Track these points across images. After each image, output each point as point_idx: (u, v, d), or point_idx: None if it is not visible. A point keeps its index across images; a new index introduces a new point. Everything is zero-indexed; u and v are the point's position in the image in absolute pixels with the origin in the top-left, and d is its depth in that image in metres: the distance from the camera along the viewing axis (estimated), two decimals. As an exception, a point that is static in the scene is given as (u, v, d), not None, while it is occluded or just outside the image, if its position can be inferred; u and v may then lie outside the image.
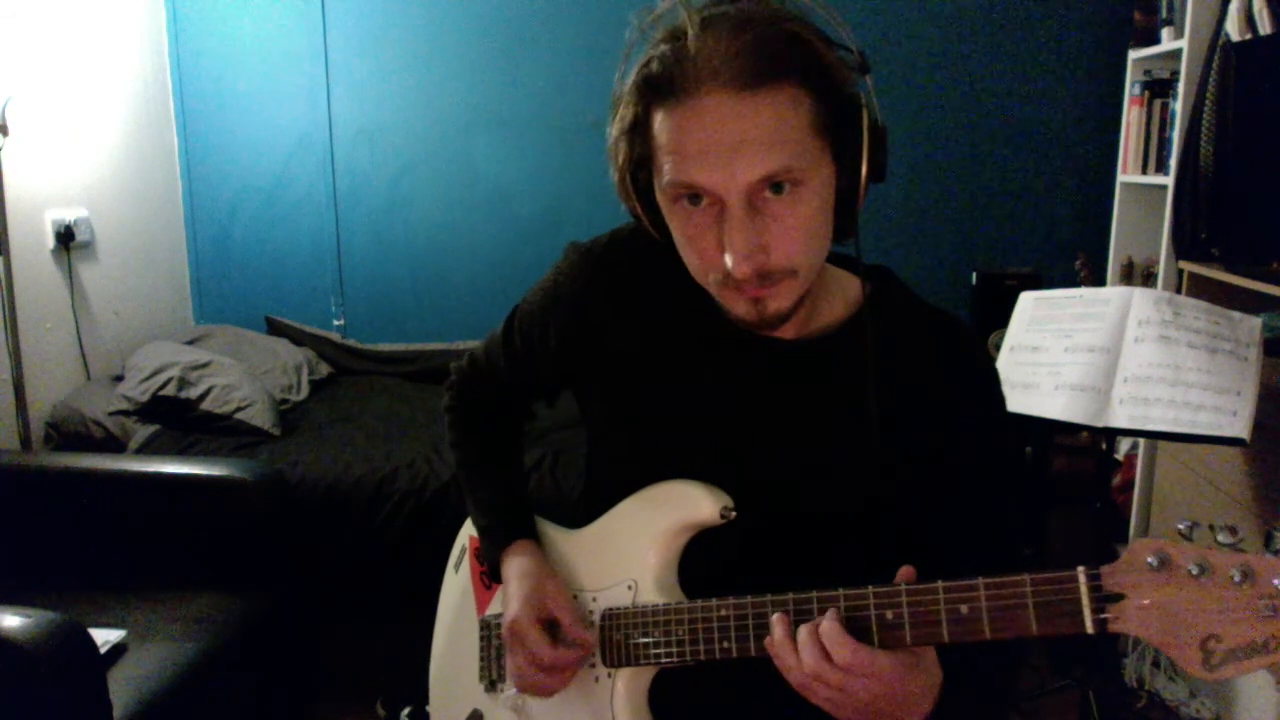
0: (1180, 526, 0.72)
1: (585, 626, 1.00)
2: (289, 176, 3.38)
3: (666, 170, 0.83)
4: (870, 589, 0.81)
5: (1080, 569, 0.73)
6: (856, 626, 0.81)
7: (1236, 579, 0.68)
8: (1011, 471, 1.03)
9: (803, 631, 0.81)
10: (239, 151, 3.36)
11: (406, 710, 2.02)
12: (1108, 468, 2.19)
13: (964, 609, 0.76)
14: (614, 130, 0.88)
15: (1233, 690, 2.23)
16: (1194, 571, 0.69)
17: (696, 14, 0.80)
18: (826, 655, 0.79)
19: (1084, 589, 0.72)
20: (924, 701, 0.82)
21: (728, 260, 0.82)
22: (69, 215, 2.76)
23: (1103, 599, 0.72)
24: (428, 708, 1.25)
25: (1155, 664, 2.46)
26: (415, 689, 1.38)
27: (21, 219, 2.58)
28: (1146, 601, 0.71)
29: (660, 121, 0.82)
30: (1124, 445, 2.75)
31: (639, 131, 0.85)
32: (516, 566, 1.06)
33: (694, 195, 0.83)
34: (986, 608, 0.76)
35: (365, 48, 3.30)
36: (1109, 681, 2.36)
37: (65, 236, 2.73)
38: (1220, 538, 0.70)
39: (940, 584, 0.78)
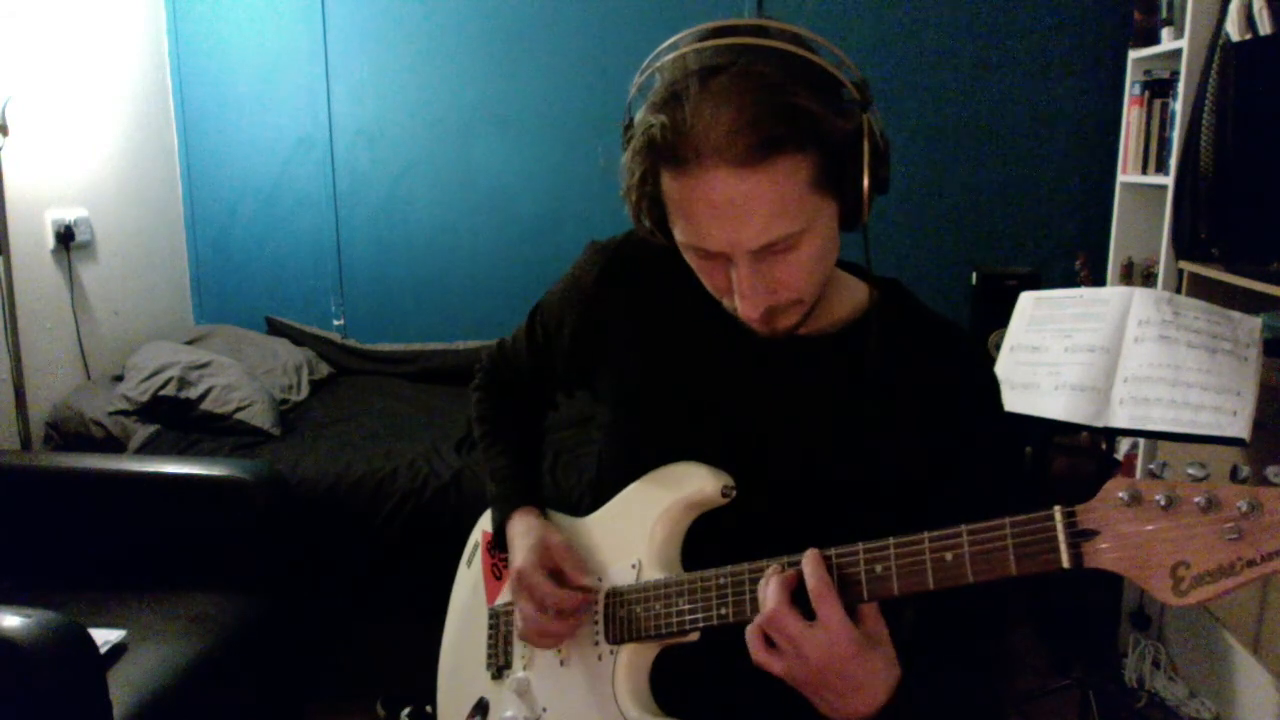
0: (1151, 466, 0.74)
1: (587, 573, 1.04)
2: (289, 177, 3.38)
3: (677, 229, 0.88)
4: (860, 545, 0.85)
5: (1056, 508, 0.76)
6: (847, 581, 0.84)
7: (1202, 505, 0.70)
8: (1009, 476, 1.06)
9: (773, 580, 0.85)
10: (239, 151, 3.36)
11: (406, 710, 2.02)
12: (1108, 468, 2.19)
13: (948, 556, 0.80)
14: (626, 179, 0.90)
15: (1233, 690, 2.23)
16: (1162, 503, 0.72)
17: (696, 77, 0.81)
18: (790, 600, 0.83)
19: (1060, 527, 0.75)
20: (876, 689, 0.83)
21: (737, 303, 0.88)
22: (69, 215, 2.76)
23: (1078, 535, 0.75)
24: (431, 706, 1.26)
25: (1155, 664, 2.46)
26: (415, 689, 1.38)
27: (21, 219, 2.58)
28: (1119, 535, 0.74)
29: (667, 183, 0.86)
30: (1124, 445, 2.75)
31: (649, 183, 0.88)
32: (521, 525, 1.11)
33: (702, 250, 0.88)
34: (969, 553, 0.79)
35: (365, 48, 3.30)
36: (1109, 681, 2.37)
37: (65, 236, 2.73)
38: (1189, 472, 0.73)
39: (926, 534, 0.81)
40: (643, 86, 0.87)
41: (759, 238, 0.83)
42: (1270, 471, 0.70)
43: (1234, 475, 0.71)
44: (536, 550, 1.05)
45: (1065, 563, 0.75)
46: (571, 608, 1.02)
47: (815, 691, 0.84)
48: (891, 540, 0.83)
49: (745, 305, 0.87)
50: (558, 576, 1.04)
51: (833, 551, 0.86)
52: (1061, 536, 0.75)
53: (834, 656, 0.82)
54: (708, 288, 0.93)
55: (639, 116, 0.86)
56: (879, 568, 0.83)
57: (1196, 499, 0.70)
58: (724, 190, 0.81)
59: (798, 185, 0.82)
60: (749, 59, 0.81)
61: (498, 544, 1.16)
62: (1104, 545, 0.74)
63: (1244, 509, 0.69)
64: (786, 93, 0.80)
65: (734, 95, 0.79)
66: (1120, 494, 0.74)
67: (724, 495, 0.98)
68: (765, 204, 0.81)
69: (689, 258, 0.91)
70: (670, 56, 0.85)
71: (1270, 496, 0.68)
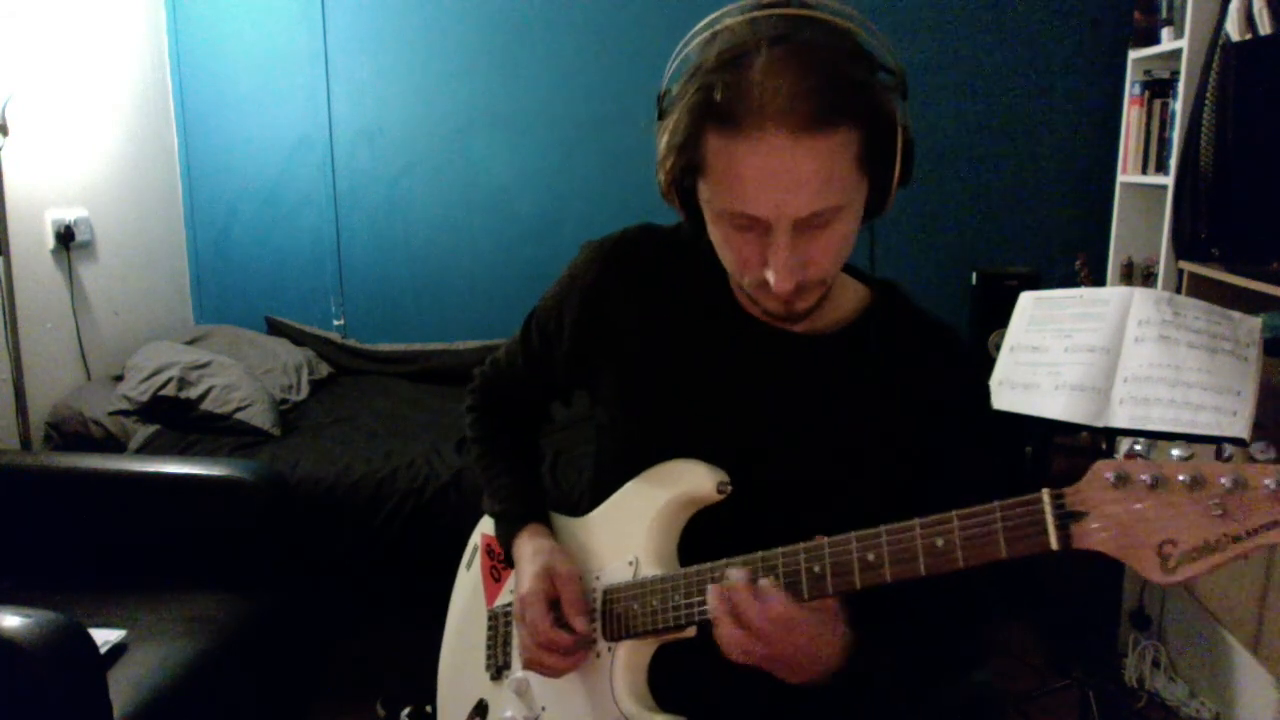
0: (1137, 447, 0.75)
1: (583, 613, 1.02)
2: (289, 177, 3.38)
3: (718, 192, 0.87)
4: (853, 534, 0.86)
5: (1045, 490, 0.77)
6: (841, 571, 0.86)
7: (1188, 483, 0.71)
8: (1000, 468, 1.07)
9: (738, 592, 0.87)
10: (239, 151, 3.36)
11: (406, 710, 2.01)
12: (1108, 468, 2.19)
13: (939, 542, 0.81)
14: (663, 139, 0.90)
15: (1233, 690, 2.23)
16: (1149, 483, 0.72)
17: (764, 42, 0.81)
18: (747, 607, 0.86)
19: (1048, 509, 0.76)
20: (834, 657, 0.88)
21: (769, 275, 0.87)
22: (69, 215, 2.76)
23: (1066, 516, 0.75)
24: (431, 706, 1.26)
25: (1155, 664, 2.46)
26: (415, 689, 1.38)
27: (21, 219, 2.58)
28: (1107, 515, 0.74)
29: (715, 145, 0.85)
30: (1124, 445, 2.74)
31: (690, 146, 0.87)
32: (530, 547, 1.09)
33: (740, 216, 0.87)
34: (960, 538, 0.80)
35: (365, 48, 3.30)
36: (1109, 681, 2.36)
37: (65, 236, 2.73)
38: (1174, 452, 0.73)
39: (916, 521, 0.82)
40: (683, 60, 0.87)
41: (807, 206, 0.83)
42: (1255, 448, 0.70)
43: (1219, 454, 0.72)
44: (541, 578, 1.04)
45: (1054, 544, 0.76)
46: (562, 647, 1.01)
47: (780, 659, 0.87)
48: (883, 528, 0.84)
49: (780, 278, 0.86)
50: (557, 606, 1.03)
51: (825, 541, 0.87)
52: (1050, 518, 0.76)
53: (804, 645, 0.86)
54: (730, 264, 0.92)
55: (687, 82, 0.86)
56: (871, 555, 0.84)
57: (1181, 477, 0.71)
58: (780, 155, 0.81)
59: (847, 159, 0.83)
60: (813, 32, 0.83)
61: (506, 561, 1.15)
62: (1092, 526, 0.75)
63: (1228, 485, 0.69)
64: (849, 67, 0.82)
65: (800, 63, 0.80)
66: (1107, 475, 0.74)
67: (719, 492, 0.98)
68: (817, 172, 0.82)
69: (719, 228, 0.90)
70: (733, 21, 0.85)
71: (1255, 473, 0.69)
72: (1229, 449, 0.71)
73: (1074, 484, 0.76)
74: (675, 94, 0.88)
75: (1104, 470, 0.74)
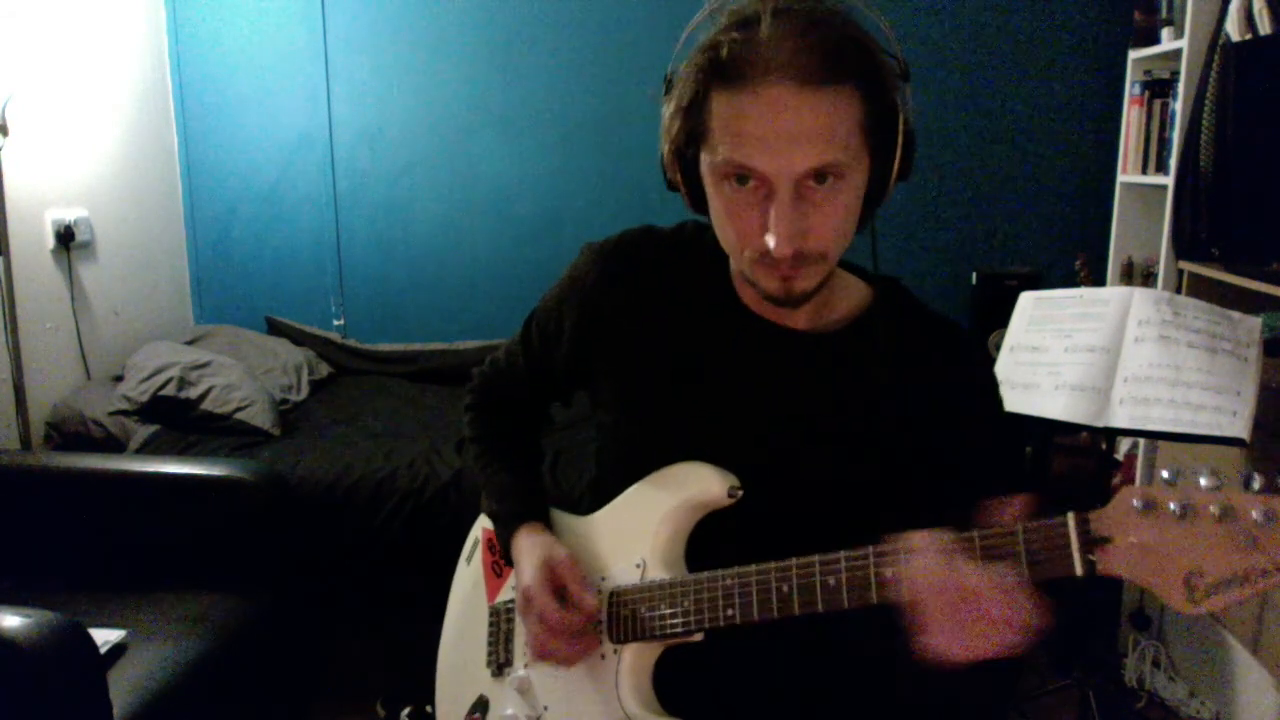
0: (1164, 474, 0.74)
1: (590, 593, 1.02)
2: (289, 177, 3.38)
3: (721, 150, 0.86)
4: (870, 549, 0.84)
5: (1070, 514, 0.76)
6: (857, 586, 0.85)
7: (1217, 515, 0.70)
8: (1012, 466, 1.06)
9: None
10: (239, 151, 3.36)
11: (406, 710, 2.01)
12: (1108, 468, 2.19)
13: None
14: (669, 106, 0.91)
15: (1233, 690, 2.23)
16: (1177, 512, 0.71)
17: (771, 7, 0.84)
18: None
19: (1073, 533, 0.75)
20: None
21: (769, 241, 0.86)
22: (69, 215, 2.76)
23: (1091, 542, 0.74)
24: (431, 706, 1.26)
25: (1155, 664, 2.46)
26: (415, 689, 1.38)
27: (21, 219, 2.58)
28: (1132, 542, 0.73)
29: (720, 104, 0.86)
30: (1124, 445, 2.75)
31: (695, 110, 0.88)
32: (528, 543, 1.09)
33: (742, 176, 0.86)
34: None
35: (365, 48, 3.30)
36: (1109, 681, 2.36)
37: (65, 236, 2.73)
38: (1203, 481, 0.72)
39: None
40: (689, 41, 0.89)
41: (809, 160, 0.83)
42: None
43: (1247, 485, 0.71)
44: (542, 569, 1.04)
45: (1079, 570, 0.74)
46: (576, 628, 1.01)
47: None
48: (901, 544, 0.82)
49: (779, 243, 0.85)
50: (562, 594, 1.03)
51: (842, 554, 0.86)
52: (1075, 543, 0.75)
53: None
54: (729, 240, 0.92)
55: (693, 52, 0.87)
56: (889, 571, 0.83)
57: (1211, 508, 0.70)
58: (784, 109, 0.82)
59: (849, 119, 0.84)
60: (819, 4, 0.85)
61: (504, 560, 1.15)
62: (1118, 552, 0.73)
63: (1258, 518, 0.68)
64: (853, 32, 0.85)
65: (806, 25, 0.83)
66: (1134, 501, 0.73)
67: (730, 496, 0.97)
68: (820, 127, 0.83)
69: (719, 197, 0.90)
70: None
71: None
72: (1256, 480, 0.70)
73: (1087, 502, 0.75)
74: (682, 70, 0.89)
75: (1130, 497, 0.73)
